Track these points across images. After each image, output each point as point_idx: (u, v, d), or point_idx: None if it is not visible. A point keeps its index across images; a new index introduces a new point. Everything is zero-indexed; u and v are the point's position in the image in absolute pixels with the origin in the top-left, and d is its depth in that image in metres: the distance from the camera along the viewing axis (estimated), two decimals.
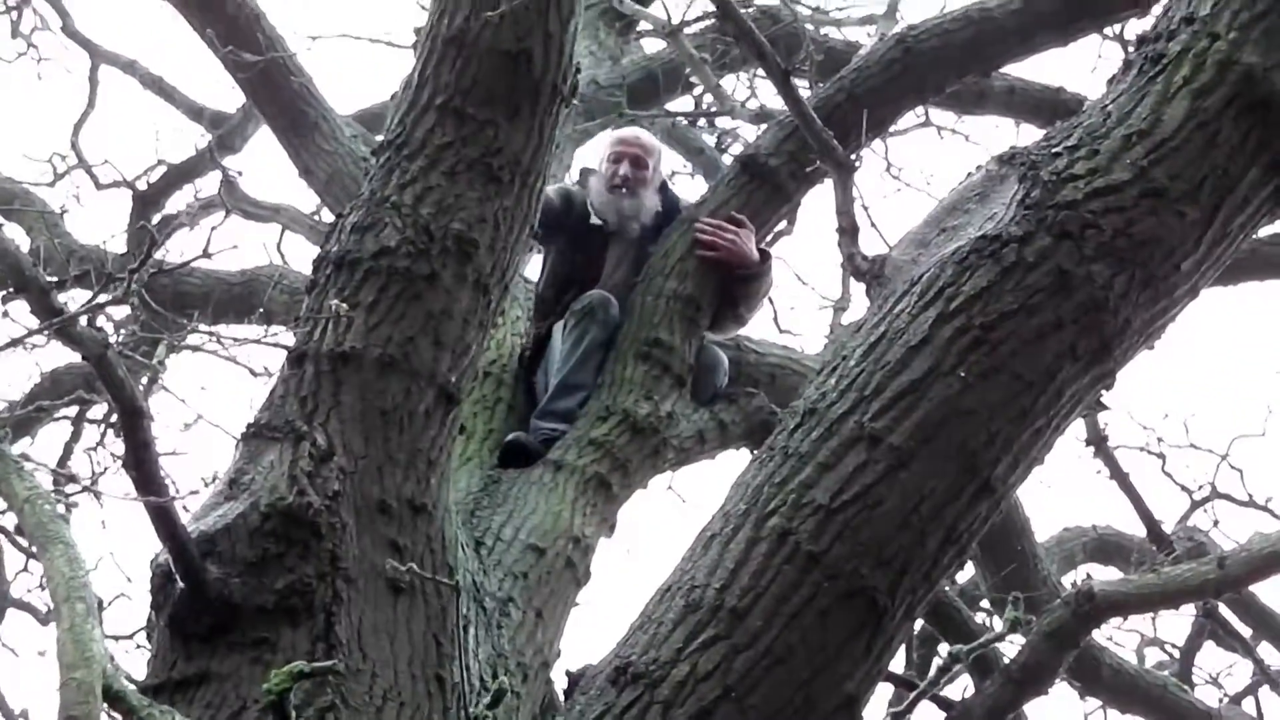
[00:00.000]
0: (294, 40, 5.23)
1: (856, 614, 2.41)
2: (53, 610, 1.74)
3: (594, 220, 4.27)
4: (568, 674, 2.60)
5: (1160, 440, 6.37)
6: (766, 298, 4.47)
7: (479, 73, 2.92)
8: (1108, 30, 5.74)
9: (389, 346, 2.74)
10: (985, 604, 5.44)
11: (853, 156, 3.23)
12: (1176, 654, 6.05)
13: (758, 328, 4.81)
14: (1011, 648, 4.16)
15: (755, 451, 2.75)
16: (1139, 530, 5.60)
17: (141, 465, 2.29)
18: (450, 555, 2.75)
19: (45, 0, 6.90)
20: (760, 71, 6.27)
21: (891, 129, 5.93)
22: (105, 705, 1.69)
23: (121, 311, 5.68)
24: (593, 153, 4.93)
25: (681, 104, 6.81)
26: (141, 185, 6.73)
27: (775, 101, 5.70)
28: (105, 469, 5.94)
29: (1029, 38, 4.66)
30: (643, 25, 6.72)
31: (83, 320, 2.24)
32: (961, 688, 4.34)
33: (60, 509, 1.82)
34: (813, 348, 5.25)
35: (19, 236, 6.07)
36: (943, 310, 2.50)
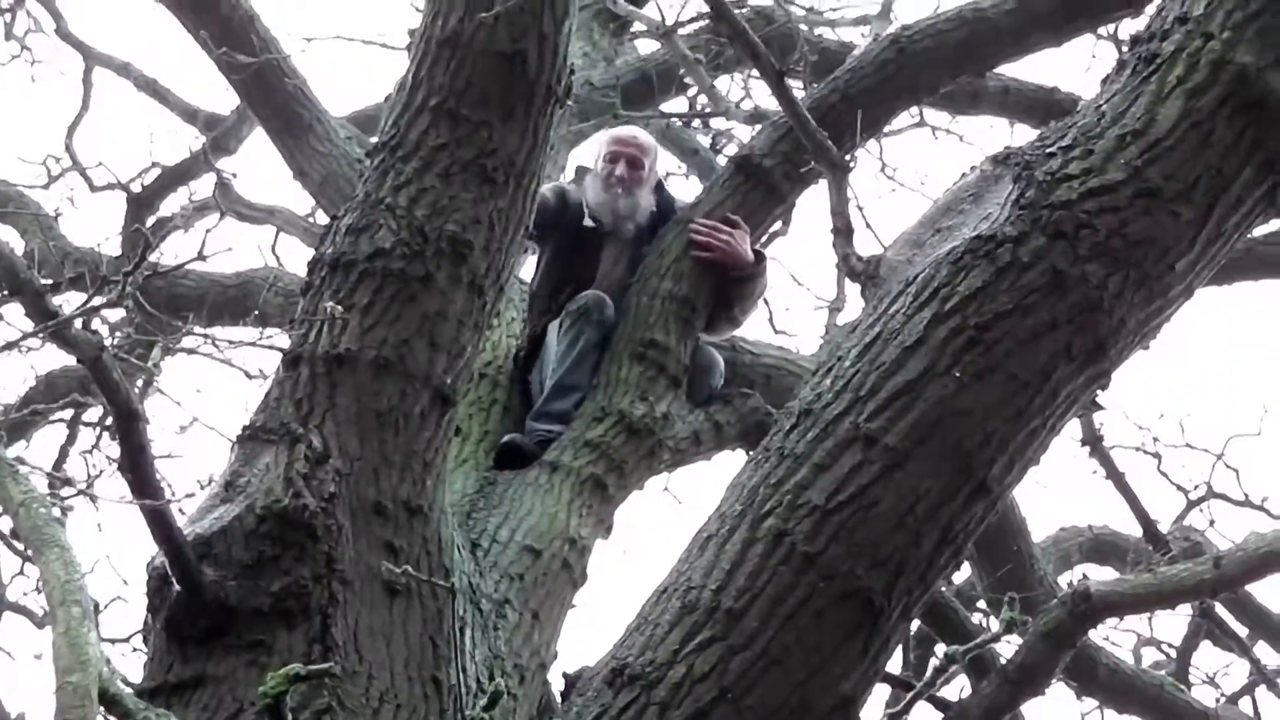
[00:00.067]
0: (288, 42, 5.24)
1: (852, 615, 2.41)
2: (48, 614, 1.74)
3: (587, 222, 4.27)
4: (564, 676, 2.60)
5: (1156, 440, 6.38)
6: (761, 299, 4.47)
7: (473, 74, 2.92)
8: (1102, 30, 5.75)
9: (384, 348, 2.74)
10: (982, 604, 5.45)
11: (847, 157, 3.23)
12: (1173, 654, 6.06)
13: (753, 328, 4.82)
14: (1008, 648, 4.16)
15: (751, 452, 2.75)
16: (1135, 530, 5.60)
17: (137, 468, 2.29)
18: (446, 557, 2.75)
19: (39, 2, 6.90)
20: (754, 72, 6.28)
21: (886, 129, 5.95)
22: (101, 709, 1.69)
23: (116, 314, 5.68)
24: (589, 152, 4.93)
25: (676, 105, 6.82)
26: (136, 187, 6.73)
27: (770, 102, 5.71)
28: (101, 472, 5.92)
29: (1023, 38, 4.67)
30: (637, 26, 6.72)
31: (78, 323, 2.25)
32: (958, 688, 4.34)
33: (56, 512, 1.82)
34: (808, 348, 5.25)
35: (13, 239, 6.06)
36: (938, 311, 2.50)
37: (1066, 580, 5.39)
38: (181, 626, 2.42)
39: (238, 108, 6.38)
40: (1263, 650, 5.63)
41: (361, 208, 2.90)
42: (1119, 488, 5.18)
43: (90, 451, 6.11)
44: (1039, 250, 2.48)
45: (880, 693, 3.93)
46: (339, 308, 2.71)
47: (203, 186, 6.79)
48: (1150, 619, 6.14)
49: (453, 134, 2.91)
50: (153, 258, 5.94)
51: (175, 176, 6.75)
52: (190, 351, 2.73)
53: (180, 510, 2.57)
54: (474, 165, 2.90)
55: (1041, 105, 5.50)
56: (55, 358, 5.94)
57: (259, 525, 2.46)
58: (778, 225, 5.25)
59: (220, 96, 7.62)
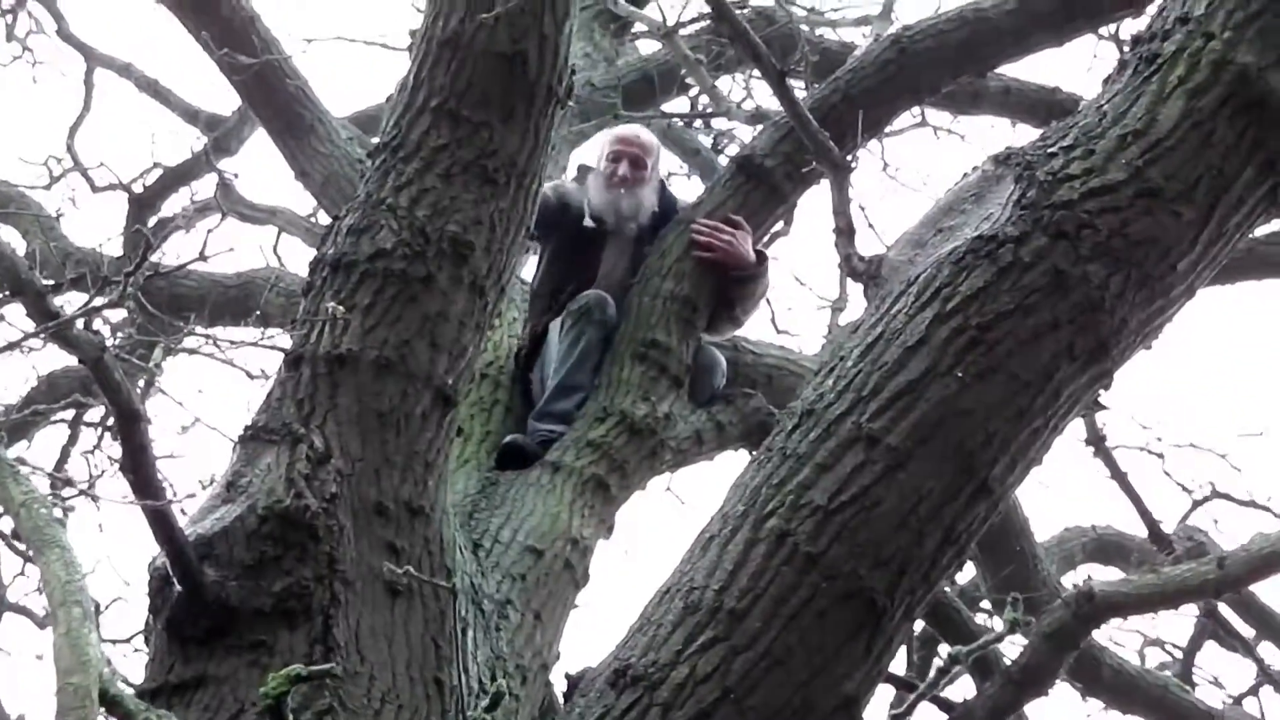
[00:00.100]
0: (289, 43, 5.24)
1: (855, 615, 2.41)
2: (49, 614, 1.74)
3: (587, 222, 4.27)
4: (567, 676, 2.60)
5: (1159, 440, 6.38)
6: (763, 299, 4.47)
7: (474, 75, 2.93)
8: (1103, 30, 5.75)
9: (385, 349, 2.74)
10: (985, 605, 5.45)
11: (849, 157, 3.24)
12: (1178, 654, 6.06)
13: (755, 328, 4.82)
14: (1012, 649, 4.17)
15: (753, 453, 2.76)
16: (1139, 530, 5.61)
17: (138, 468, 2.29)
18: (448, 557, 2.75)
19: (40, 3, 6.92)
20: (756, 72, 6.28)
21: (887, 129, 5.95)
22: (102, 710, 1.69)
23: (118, 314, 5.69)
24: (591, 150, 4.93)
25: (677, 105, 6.82)
26: (137, 188, 6.73)
27: (771, 102, 5.71)
28: (102, 472, 5.93)
29: (1024, 38, 4.67)
30: (638, 27, 6.73)
31: (79, 323, 2.25)
32: (962, 689, 4.34)
33: (57, 513, 1.82)
34: (810, 348, 5.25)
35: (15, 240, 6.07)
36: (939, 311, 2.50)
37: (1070, 581, 5.39)
38: (183, 627, 2.42)
39: (239, 108, 6.38)
40: (1268, 651, 5.63)
41: (363, 208, 2.90)
42: (1123, 488, 5.19)
43: (92, 452, 6.13)
44: (1040, 250, 2.48)
45: (883, 694, 3.93)
46: (340, 308, 2.71)
47: (204, 187, 6.80)
48: (1155, 620, 6.14)
49: (454, 135, 2.91)
50: (154, 258, 5.95)
51: (177, 177, 6.76)
52: (192, 352, 2.74)
53: (182, 510, 2.57)
54: (475, 166, 2.91)
55: (1043, 105, 5.50)
56: (57, 358, 5.96)
57: (260, 526, 2.46)
58: (779, 225, 5.25)
59: (222, 97, 7.65)
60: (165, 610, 2.44)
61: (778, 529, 2.44)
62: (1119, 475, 5.16)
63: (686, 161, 6.71)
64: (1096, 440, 5.10)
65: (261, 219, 6.69)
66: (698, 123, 6.91)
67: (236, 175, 6.59)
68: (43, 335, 2.24)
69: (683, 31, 6.25)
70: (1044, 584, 5.07)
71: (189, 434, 5.03)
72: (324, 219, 5.80)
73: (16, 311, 2.80)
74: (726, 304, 4.24)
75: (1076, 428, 5.06)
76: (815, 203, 5.11)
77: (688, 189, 5.94)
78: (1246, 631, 5.60)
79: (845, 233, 3.05)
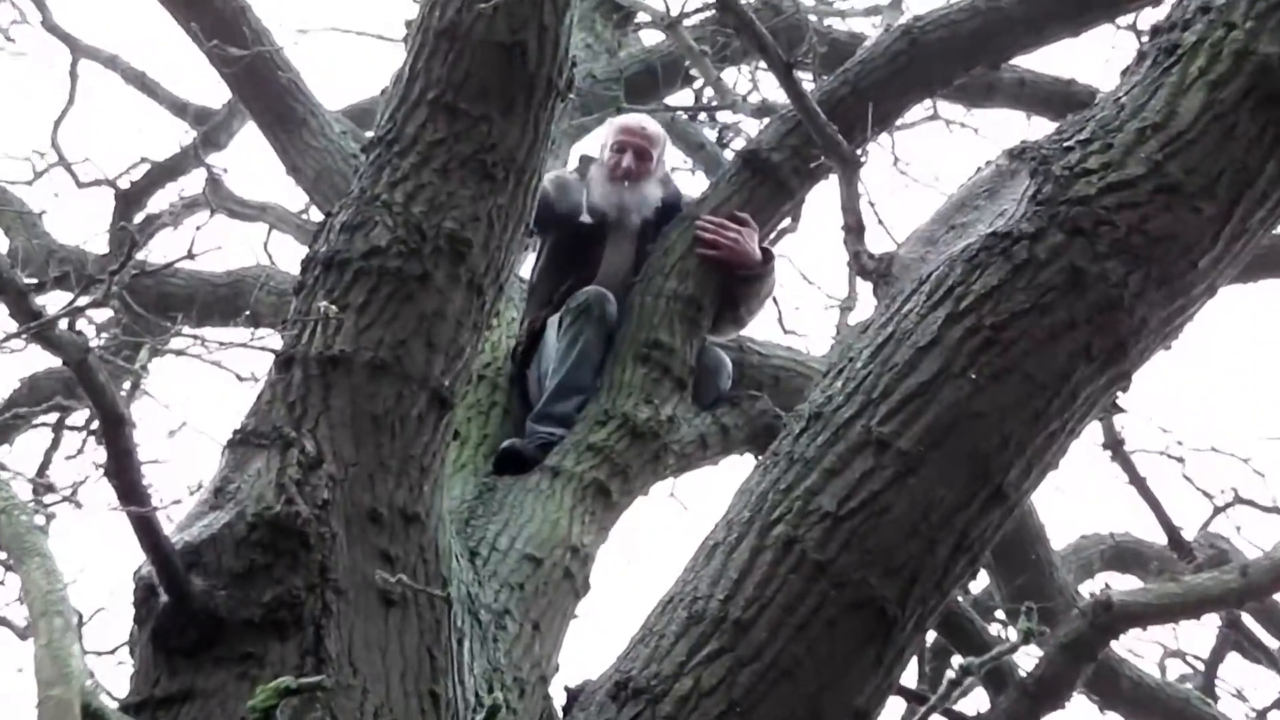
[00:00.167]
0: (281, 34, 5.25)
1: (865, 625, 2.41)
2: (30, 625, 1.74)
3: (584, 218, 4.25)
4: (566, 689, 2.60)
5: (1180, 443, 6.38)
6: (769, 298, 4.47)
7: (472, 66, 2.93)
8: (1120, 20, 5.76)
9: (380, 349, 2.74)
10: (1000, 615, 5.45)
11: (858, 151, 3.23)
12: (1200, 666, 6.05)
13: (762, 328, 4.83)
14: (1028, 660, 4.17)
15: (759, 457, 2.76)
16: (1159, 537, 5.60)
17: (123, 474, 2.29)
18: (444, 566, 2.75)
19: None
20: (762, 64, 6.29)
21: (898, 123, 5.96)
22: None
23: (103, 314, 5.69)
24: (595, 140, 4.93)
25: (681, 98, 6.83)
26: (123, 183, 6.75)
27: (778, 95, 5.71)
28: (86, 478, 5.90)
29: (1039, 28, 4.67)
30: (641, 17, 6.73)
31: (62, 323, 2.25)
32: (975, 702, 4.34)
33: (38, 519, 1.82)
34: (818, 349, 5.26)
35: None
36: (952, 310, 2.50)
37: (1088, 590, 5.38)
38: (169, 638, 2.41)
39: (229, 101, 6.39)
40: None
41: (357, 204, 2.90)
42: (1142, 493, 5.19)
43: (75, 456, 6.13)
44: (1057, 247, 2.48)
45: (894, 707, 3.93)
46: (333, 308, 2.71)
47: (193, 182, 6.81)
48: (1175, 630, 6.13)
49: (451, 128, 2.91)
50: (140, 256, 5.97)
51: (164, 172, 6.77)
52: (179, 353, 2.73)
53: (168, 518, 2.57)
54: (473, 160, 2.90)
55: (1059, 98, 5.50)
56: (39, 359, 5.96)
57: (250, 533, 2.46)
58: (786, 222, 5.26)
59: (211, 90, 7.65)
60: (151, 621, 2.43)
61: (785, 536, 2.43)
62: (1138, 480, 5.16)
63: (691, 156, 6.72)
64: (1114, 444, 5.11)
65: (252, 215, 6.69)
66: (702, 116, 6.92)
67: (226, 170, 6.60)
68: (24, 336, 2.24)
69: (687, 22, 6.26)
70: (1060, 593, 5.07)
71: (176, 438, 5.04)
72: (316, 215, 5.80)
73: None
74: (731, 303, 4.24)
75: (1094, 431, 5.06)
76: (823, 199, 5.11)
77: (692, 184, 5.94)
78: (1271, 642, 5.60)
79: (854, 230, 3.05)
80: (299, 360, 2.73)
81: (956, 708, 3.39)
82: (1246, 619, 5.19)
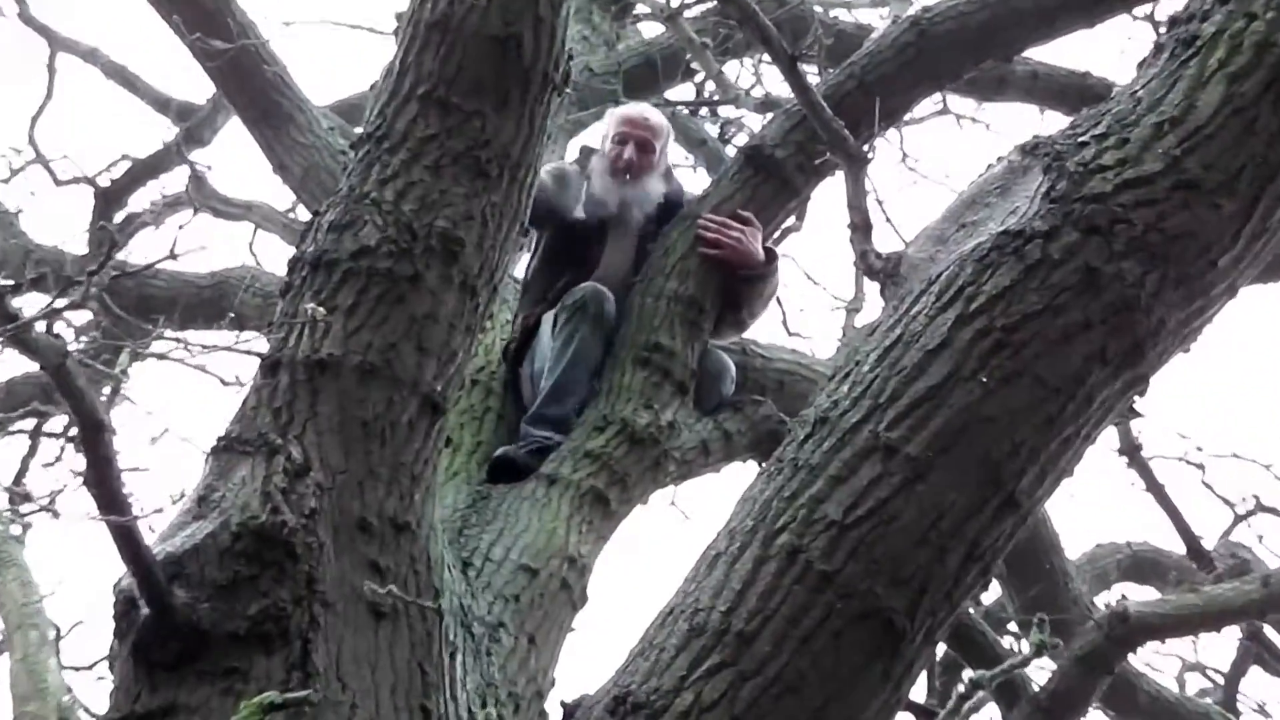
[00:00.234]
0: (267, 27, 5.25)
1: (873, 637, 2.40)
2: (5, 638, 1.74)
3: (579, 213, 4.24)
4: (563, 705, 2.60)
5: (1199, 449, 6.38)
6: (772, 300, 4.48)
7: (464, 60, 2.93)
8: (1137, 11, 5.76)
9: (369, 353, 2.74)
10: (1012, 627, 5.45)
11: (865, 147, 3.24)
12: (1220, 680, 6.05)
13: (766, 331, 4.84)
14: (1041, 674, 4.17)
15: (763, 464, 2.76)
16: (1177, 547, 5.61)
17: (103, 482, 2.29)
18: (436, 577, 2.75)
19: None
20: (765, 57, 6.29)
21: (906, 118, 5.97)
22: None
23: (82, 317, 5.70)
24: (593, 136, 4.93)
25: (682, 92, 6.84)
26: (103, 181, 6.76)
27: (782, 89, 5.72)
28: (64, 486, 5.91)
29: (1052, 19, 4.68)
30: (640, 8, 6.75)
31: (40, 326, 2.25)
32: (987, 718, 4.34)
33: (15, 529, 1.82)
34: (824, 352, 5.26)
35: None
36: (962, 311, 2.50)
37: (1103, 601, 5.39)
38: (150, 652, 2.41)
39: (213, 96, 6.40)
40: None
41: (345, 203, 2.90)
42: (1160, 501, 5.19)
43: (53, 464, 6.12)
44: (1071, 246, 2.48)
45: None
46: (321, 310, 2.71)
47: (175, 180, 6.82)
48: (1194, 642, 6.14)
49: (443, 124, 2.91)
50: (121, 256, 5.97)
51: (146, 169, 6.78)
52: (161, 356, 2.74)
53: (150, 527, 2.56)
54: (466, 157, 2.91)
55: (1073, 91, 5.51)
56: (16, 363, 5.96)
57: (234, 543, 2.46)
58: (791, 220, 5.27)
59: (194, 84, 7.65)
60: (131, 634, 2.43)
61: (789, 545, 2.43)
62: (1156, 487, 5.16)
63: (692, 152, 6.72)
64: (1131, 450, 5.11)
65: (236, 214, 6.70)
66: (704, 111, 6.93)
67: (210, 168, 6.62)
68: (0, 339, 2.24)
69: (687, 13, 6.28)
70: (1075, 604, 5.08)
71: (158, 445, 5.04)
72: (303, 214, 5.81)
73: None
74: (734, 305, 4.24)
75: (1110, 436, 5.06)
76: (829, 196, 5.12)
77: (693, 181, 5.95)
78: None
79: (861, 228, 3.05)
80: (285, 364, 2.73)
81: None
82: (1269, 631, 5.18)
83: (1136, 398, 2.62)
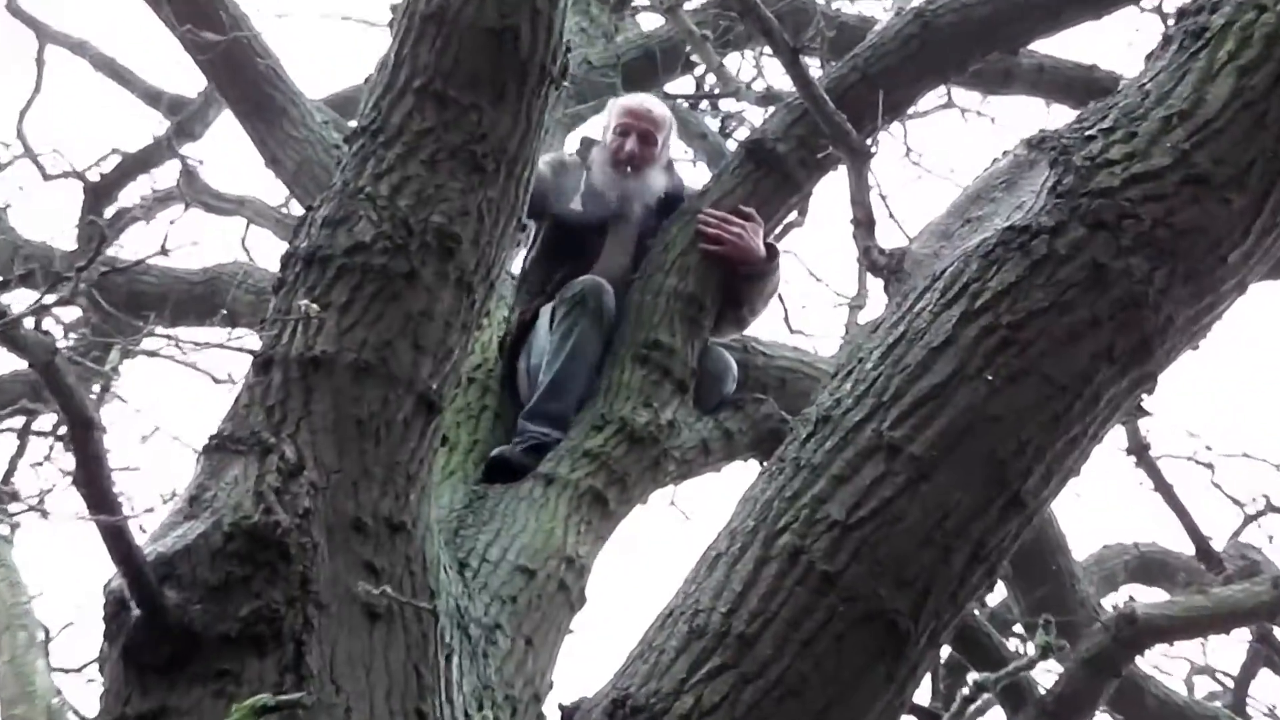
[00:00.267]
0: (260, 18, 5.25)
1: (876, 639, 2.41)
2: None
3: (574, 205, 4.24)
4: (561, 708, 2.60)
5: (1209, 448, 6.39)
6: (774, 297, 4.47)
7: (461, 52, 2.93)
8: (1144, 2, 5.77)
9: (364, 351, 2.74)
10: (1019, 629, 5.46)
11: (868, 141, 3.24)
12: (1229, 683, 6.06)
13: (767, 328, 4.84)
14: (1048, 677, 4.17)
15: (764, 463, 2.76)
16: (1186, 547, 5.61)
17: (93, 481, 2.29)
18: (432, 578, 2.75)
19: None
20: (767, 49, 6.29)
21: (910, 111, 5.97)
22: None
23: (71, 313, 5.70)
24: (591, 131, 4.93)
25: (681, 85, 6.84)
26: (93, 176, 6.76)
27: (784, 82, 5.72)
28: (53, 485, 5.94)
29: (1058, 11, 4.68)
30: (639, 0, 6.74)
31: (28, 322, 2.25)
32: None
33: (2, 529, 1.82)
34: (826, 349, 5.26)
35: None
36: (967, 308, 2.50)
37: (1111, 603, 5.39)
38: (141, 654, 2.41)
39: (204, 90, 6.40)
40: None
41: (339, 198, 2.90)
42: (1168, 501, 5.19)
43: (41, 463, 6.13)
44: (1078, 242, 2.48)
45: None
46: (315, 306, 2.71)
47: (166, 175, 6.82)
48: (1203, 645, 6.14)
49: (439, 117, 2.91)
50: (111, 251, 5.97)
51: (136, 164, 6.78)
52: (152, 354, 2.74)
53: (141, 527, 2.56)
54: (462, 151, 2.90)
55: (1080, 84, 5.52)
56: (4, 361, 5.97)
57: (226, 544, 2.46)
58: (793, 216, 5.27)
59: (186, 77, 7.65)
60: (122, 636, 2.43)
61: (791, 546, 2.43)
62: (1164, 487, 5.17)
63: (692, 146, 6.72)
64: (1139, 449, 5.11)
65: (229, 209, 6.70)
66: (704, 104, 6.93)
67: (201, 162, 6.63)
68: None
69: (687, 5, 6.27)
70: (1082, 606, 5.08)
71: (149, 444, 5.04)
72: (296, 209, 5.81)
73: None
74: (734, 302, 4.24)
75: (1117, 435, 5.07)
76: (832, 191, 5.12)
77: (694, 176, 5.95)
78: None
79: (864, 224, 3.05)
80: (278, 362, 2.73)
81: None
82: (1279, 633, 5.19)
83: (1144, 396, 2.63)
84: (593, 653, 3.67)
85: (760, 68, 7.12)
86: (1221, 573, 5.04)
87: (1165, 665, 6.97)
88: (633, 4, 6.85)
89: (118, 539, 2.32)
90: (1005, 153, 2.90)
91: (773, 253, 4.25)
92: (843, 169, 3.23)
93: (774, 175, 4.34)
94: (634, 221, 4.28)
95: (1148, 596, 5.63)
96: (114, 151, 6.79)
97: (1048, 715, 3.48)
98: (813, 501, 2.46)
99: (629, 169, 4.27)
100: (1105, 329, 2.46)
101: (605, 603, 3.87)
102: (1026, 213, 2.56)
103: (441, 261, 2.84)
